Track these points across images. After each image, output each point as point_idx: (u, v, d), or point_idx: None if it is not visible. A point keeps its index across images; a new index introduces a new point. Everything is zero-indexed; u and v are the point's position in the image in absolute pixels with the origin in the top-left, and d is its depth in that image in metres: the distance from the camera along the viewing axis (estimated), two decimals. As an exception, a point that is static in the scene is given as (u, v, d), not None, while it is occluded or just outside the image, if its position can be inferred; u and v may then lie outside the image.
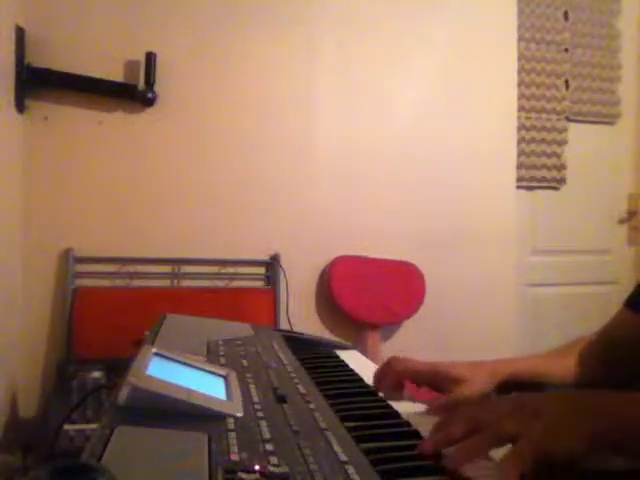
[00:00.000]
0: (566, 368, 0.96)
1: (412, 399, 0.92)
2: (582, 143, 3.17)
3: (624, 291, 0.99)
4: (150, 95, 2.36)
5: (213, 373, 0.80)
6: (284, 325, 2.44)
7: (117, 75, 2.37)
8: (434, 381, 0.91)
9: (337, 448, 0.61)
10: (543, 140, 3.10)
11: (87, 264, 2.35)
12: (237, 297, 2.47)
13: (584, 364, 0.97)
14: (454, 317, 2.75)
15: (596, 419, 0.59)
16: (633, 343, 0.92)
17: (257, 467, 0.53)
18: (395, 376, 0.93)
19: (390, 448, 0.64)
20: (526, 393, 0.67)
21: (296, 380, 0.86)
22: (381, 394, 0.91)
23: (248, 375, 0.85)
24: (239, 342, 1.07)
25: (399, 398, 0.91)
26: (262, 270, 2.58)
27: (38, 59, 2.24)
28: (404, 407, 0.81)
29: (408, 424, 0.73)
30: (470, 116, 2.83)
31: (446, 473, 0.59)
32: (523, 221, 3.04)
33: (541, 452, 0.56)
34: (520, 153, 3.03)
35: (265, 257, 2.56)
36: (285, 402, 0.74)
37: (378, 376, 0.95)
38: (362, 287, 2.64)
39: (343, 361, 1.09)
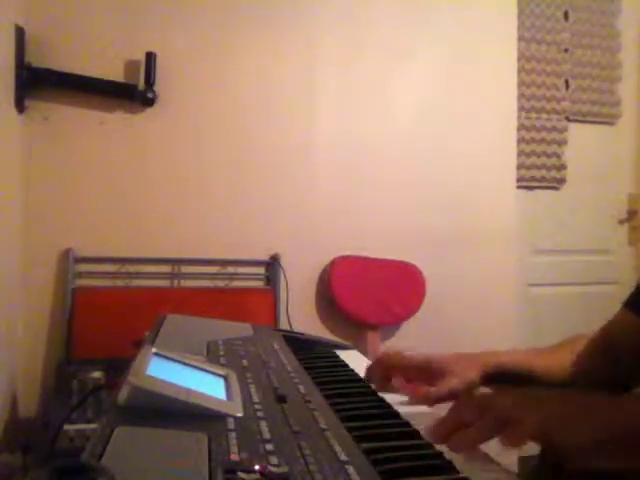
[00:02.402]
0: (557, 363, 0.97)
1: (398, 390, 0.94)
2: (582, 143, 3.17)
3: (624, 291, 0.99)
4: (150, 95, 2.36)
5: (213, 373, 0.80)
6: (284, 325, 2.44)
7: (117, 75, 2.36)
8: (422, 375, 0.93)
9: (337, 448, 0.61)
10: (543, 140, 3.10)
11: (87, 264, 2.35)
12: (237, 297, 2.47)
13: (582, 365, 0.97)
14: (454, 317, 2.75)
15: (599, 418, 0.60)
16: (632, 344, 0.92)
17: (257, 467, 0.53)
18: (385, 371, 0.96)
19: (390, 448, 0.64)
20: (534, 388, 0.69)
21: (296, 380, 0.86)
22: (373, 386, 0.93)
23: (248, 375, 0.85)
24: (239, 342, 1.06)
25: (390, 390, 0.94)
26: (262, 270, 2.58)
27: (38, 59, 2.24)
28: (404, 407, 0.81)
29: (408, 424, 0.73)
30: (470, 116, 2.83)
31: (447, 470, 0.59)
32: (523, 221, 3.04)
33: (542, 434, 0.58)
34: (520, 153, 3.03)
35: (265, 257, 2.56)
36: (285, 402, 0.74)
37: (369, 372, 0.98)
38: (362, 287, 2.64)
39: (343, 361, 1.09)
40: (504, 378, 0.94)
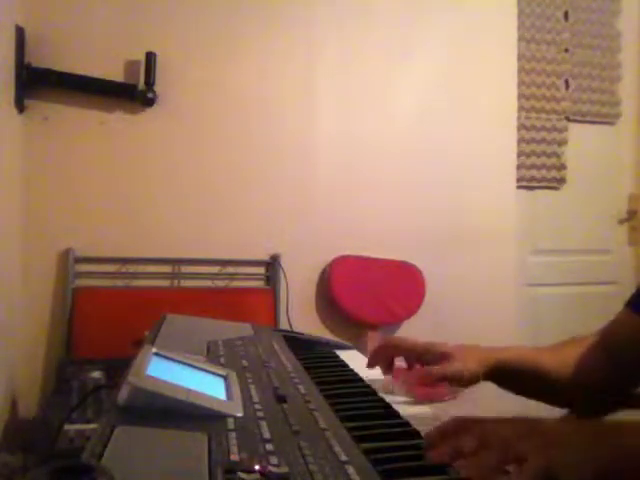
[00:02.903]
0: (558, 362, 0.97)
1: (403, 384, 0.97)
2: (582, 143, 3.17)
3: (624, 291, 0.99)
4: (150, 95, 2.36)
5: (213, 373, 0.80)
6: (284, 325, 2.44)
7: (117, 75, 2.36)
8: (426, 357, 0.94)
9: (337, 448, 0.61)
10: (543, 140, 3.10)
11: (87, 264, 2.35)
12: (237, 297, 2.47)
13: (584, 364, 0.96)
14: (454, 317, 2.75)
15: (612, 456, 0.58)
16: (634, 345, 0.92)
17: (257, 467, 0.53)
18: (389, 353, 0.98)
19: (390, 448, 0.64)
20: (538, 417, 0.67)
21: (296, 380, 0.86)
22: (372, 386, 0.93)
23: (248, 375, 0.85)
24: (239, 342, 1.07)
25: (390, 373, 0.97)
26: (262, 270, 2.58)
27: (38, 59, 2.24)
28: (404, 409, 0.81)
29: (408, 424, 0.73)
30: (470, 116, 2.83)
31: (446, 470, 0.59)
32: (523, 221, 3.04)
33: (548, 475, 0.55)
34: (520, 153, 3.03)
35: (265, 257, 2.55)
36: (285, 402, 0.74)
37: (373, 354, 0.99)
38: (362, 287, 2.64)
39: (343, 361, 1.09)
40: (508, 373, 0.94)
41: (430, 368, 0.89)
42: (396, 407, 0.80)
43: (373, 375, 0.98)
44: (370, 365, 1.00)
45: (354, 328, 2.63)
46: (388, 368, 0.97)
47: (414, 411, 0.83)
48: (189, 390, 0.67)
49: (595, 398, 0.95)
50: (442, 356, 0.91)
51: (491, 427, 0.63)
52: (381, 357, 0.99)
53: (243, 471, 0.52)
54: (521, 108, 3.02)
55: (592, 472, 0.57)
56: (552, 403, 0.97)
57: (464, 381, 0.89)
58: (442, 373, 0.87)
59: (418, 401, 0.94)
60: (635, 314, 0.93)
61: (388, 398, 0.86)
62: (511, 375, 0.95)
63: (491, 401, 1.29)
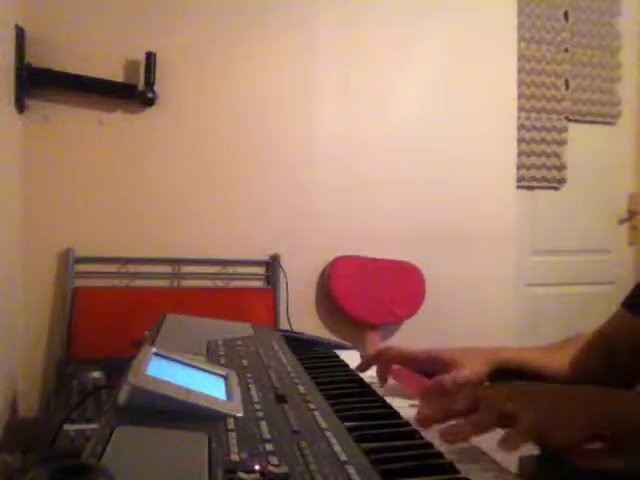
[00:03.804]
0: (558, 361, 0.97)
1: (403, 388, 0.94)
2: (582, 143, 3.17)
3: (624, 291, 0.99)
4: (150, 95, 2.36)
5: (213, 373, 0.80)
6: (284, 325, 2.44)
7: (117, 75, 2.37)
8: (427, 365, 0.93)
9: (337, 448, 0.61)
10: (543, 140, 3.10)
11: (87, 264, 2.35)
12: (237, 297, 2.47)
13: (581, 365, 0.96)
14: (454, 317, 2.75)
15: (595, 411, 0.59)
16: (630, 344, 0.92)
17: (257, 467, 0.53)
18: (388, 360, 0.96)
19: (390, 448, 0.64)
20: (527, 382, 0.68)
21: (296, 380, 0.86)
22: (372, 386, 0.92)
23: (248, 375, 0.85)
24: (239, 342, 1.06)
25: (386, 382, 0.94)
26: (262, 270, 2.58)
27: (38, 59, 2.24)
28: (404, 409, 0.81)
29: (408, 424, 0.73)
30: (470, 116, 2.83)
31: (447, 470, 0.59)
32: (523, 221, 3.04)
33: (539, 434, 0.57)
34: (520, 153, 3.03)
35: (265, 257, 2.56)
36: (285, 402, 0.74)
37: (371, 359, 0.98)
38: (362, 287, 2.64)
39: (343, 361, 1.09)
40: (510, 374, 0.94)
41: (440, 378, 0.87)
42: (396, 407, 0.80)
43: (373, 375, 0.98)
44: (361, 369, 0.98)
45: (354, 328, 2.63)
46: (384, 375, 0.95)
47: (414, 411, 0.83)
48: (189, 390, 0.67)
49: None
50: (448, 364, 0.90)
51: (482, 389, 0.64)
52: (379, 366, 0.96)
53: (243, 471, 0.52)
54: (521, 108, 3.02)
55: (581, 432, 0.57)
56: None
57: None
58: (453, 382, 0.86)
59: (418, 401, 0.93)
60: (631, 314, 0.93)
61: (388, 398, 0.86)
62: (511, 376, 0.94)
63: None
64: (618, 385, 0.95)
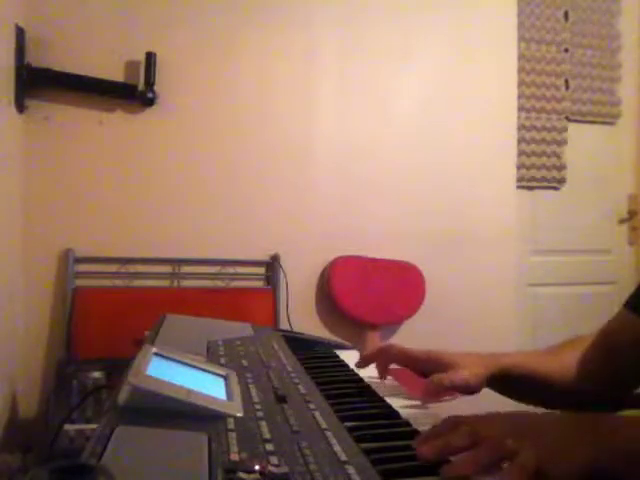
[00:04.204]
0: (558, 365, 0.96)
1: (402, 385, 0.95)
2: (582, 143, 3.17)
3: (624, 291, 0.99)
4: (150, 95, 2.36)
5: (213, 373, 0.80)
6: (284, 325, 2.44)
7: (117, 75, 2.37)
8: (427, 366, 0.93)
9: (337, 448, 0.61)
10: (543, 140, 3.10)
11: (87, 264, 2.35)
12: (237, 297, 2.47)
13: (584, 366, 0.96)
14: (454, 317, 2.75)
15: (597, 444, 0.58)
16: (633, 345, 0.92)
17: (257, 467, 0.53)
18: (388, 359, 0.96)
19: (390, 448, 0.64)
20: (528, 412, 0.67)
21: (296, 380, 0.86)
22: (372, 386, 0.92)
23: (248, 375, 0.85)
24: (239, 342, 1.06)
25: (385, 377, 0.95)
26: (262, 270, 2.58)
27: (38, 59, 2.24)
28: (404, 409, 0.81)
29: (408, 424, 0.73)
30: (470, 116, 2.83)
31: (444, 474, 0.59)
32: (523, 221, 3.04)
33: (540, 470, 0.56)
34: (520, 153, 3.03)
35: (265, 257, 2.56)
36: (285, 402, 0.74)
37: (372, 355, 0.98)
38: (362, 287, 2.64)
39: (343, 361, 1.09)
40: (509, 380, 0.94)
41: (439, 376, 0.87)
42: (396, 407, 0.80)
43: (373, 375, 0.98)
44: (360, 365, 0.99)
45: (354, 328, 2.63)
46: (384, 372, 0.96)
47: (414, 411, 0.83)
48: (189, 390, 0.67)
49: (595, 399, 0.95)
50: (447, 365, 0.90)
51: (481, 424, 0.63)
52: (379, 362, 0.97)
53: (243, 471, 0.52)
54: (521, 108, 3.02)
55: (582, 466, 0.57)
56: (554, 408, 0.97)
57: (471, 388, 0.88)
58: (451, 381, 0.86)
59: (418, 400, 0.93)
60: (633, 314, 0.93)
61: (388, 398, 0.86)
62: (512, 382, 0.94)
63: (491, 401, 1.29)
64: (621, 385, 0.95)
